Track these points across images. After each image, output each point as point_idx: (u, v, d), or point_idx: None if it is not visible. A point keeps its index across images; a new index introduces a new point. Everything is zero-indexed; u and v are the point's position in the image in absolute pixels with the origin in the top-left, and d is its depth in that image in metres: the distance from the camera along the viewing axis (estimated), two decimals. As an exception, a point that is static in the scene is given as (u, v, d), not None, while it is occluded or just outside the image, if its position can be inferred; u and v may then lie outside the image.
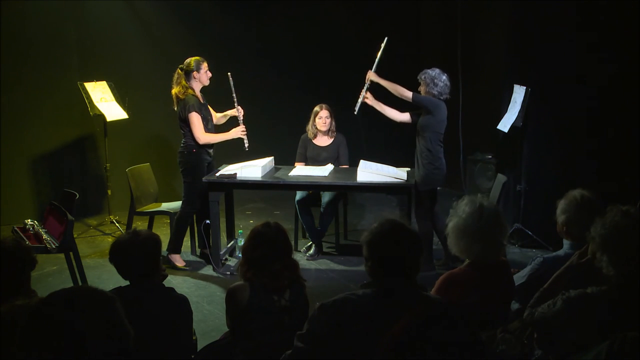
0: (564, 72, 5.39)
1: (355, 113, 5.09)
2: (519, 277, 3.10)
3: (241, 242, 5.13)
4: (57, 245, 4.27)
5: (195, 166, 5.13)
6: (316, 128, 5.63)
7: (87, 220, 6.62)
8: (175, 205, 5.45)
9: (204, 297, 4.64)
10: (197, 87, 5.11)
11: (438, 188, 5.12)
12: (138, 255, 2.61)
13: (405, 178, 5.02)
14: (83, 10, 6.70)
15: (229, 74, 5.13)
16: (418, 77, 5.00)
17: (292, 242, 5.42)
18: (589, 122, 5.36)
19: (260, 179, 5.11)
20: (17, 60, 6.29)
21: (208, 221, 5.20)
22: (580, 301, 2.28)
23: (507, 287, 2.85)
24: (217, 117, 5.40)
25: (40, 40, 6.44)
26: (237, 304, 2.72)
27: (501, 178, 4.99)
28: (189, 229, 5.44)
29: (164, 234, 5.31)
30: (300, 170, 5.40)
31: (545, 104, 5.49)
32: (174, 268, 5.17)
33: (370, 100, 5.10)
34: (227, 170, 5.26)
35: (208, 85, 5.17)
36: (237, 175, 5.10)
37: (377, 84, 5.02)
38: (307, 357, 2.15)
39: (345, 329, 2.08)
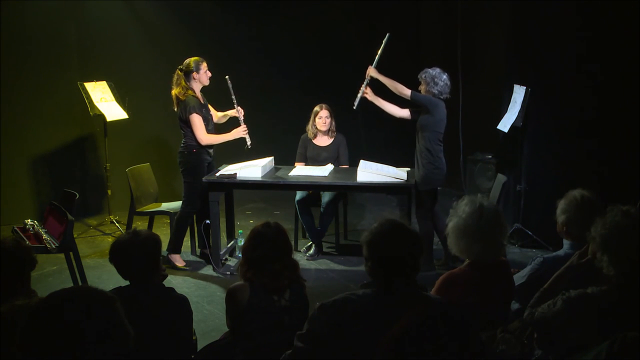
0: (563, 72, 5.39)
1: (355, 107, 5.09)
2: (519, 277, 3.10)
3: (241, 242, 5.13)
4: (57, 245, 4.27)
5: (196, 166, 5.13)
6: (316, 128, 5.63)
7: (87, 220, 6.62)
8: (175, 205, 5.46)
9: (204, 297, 4.64)
10: (197, 87, 5.11)
11: (438, 188, 5.12)
12: (138, 255, 2.61)
13: (405, 178, 5.02)
14: (83, 10, 6.69)
15: (227, 77, 5.13)
16: (419, 76, 5.01)
17: (292, 242, 5.42)
18: (589, 123, 5.35)
19: (260, 179, 5.11)
20: (17, 60, 6.29)
21: (208, 221, 5.20)
22: (581, 301, 2.29)
23: (507, 287, 2.85)
24: (218, 117, 5.40)
25: (40, 40, 6.43)
26: (237, 304, 2.72)
27: (501, 178, 4.99)
28: (189, 229, 5.44)
29: (164, 234, 5.30)
30: (300, 170, 5.40)
31: (545, 104, 5.49)
32: (174, 268, 5.17)
33: (370, 96, 5.10)
34: (227, 170, 5.26)
35: (208, 85, 5.16)
36: (237, 175, 5.10)
37: (377, 80, 5.03)
38: (307, 357, 2.15)
39: (345, 329, 2.08)
